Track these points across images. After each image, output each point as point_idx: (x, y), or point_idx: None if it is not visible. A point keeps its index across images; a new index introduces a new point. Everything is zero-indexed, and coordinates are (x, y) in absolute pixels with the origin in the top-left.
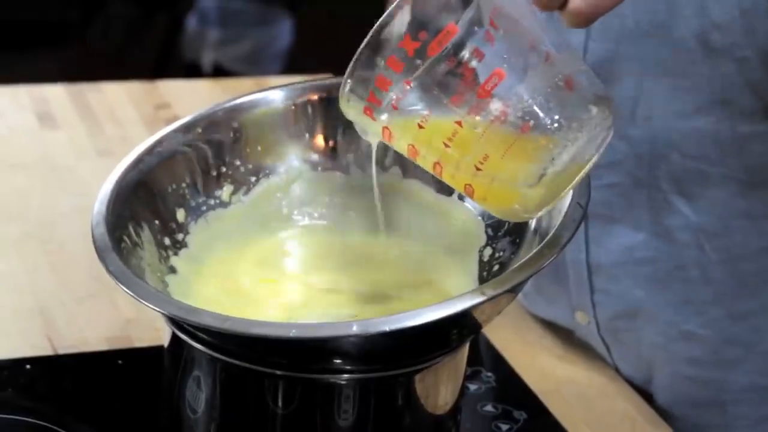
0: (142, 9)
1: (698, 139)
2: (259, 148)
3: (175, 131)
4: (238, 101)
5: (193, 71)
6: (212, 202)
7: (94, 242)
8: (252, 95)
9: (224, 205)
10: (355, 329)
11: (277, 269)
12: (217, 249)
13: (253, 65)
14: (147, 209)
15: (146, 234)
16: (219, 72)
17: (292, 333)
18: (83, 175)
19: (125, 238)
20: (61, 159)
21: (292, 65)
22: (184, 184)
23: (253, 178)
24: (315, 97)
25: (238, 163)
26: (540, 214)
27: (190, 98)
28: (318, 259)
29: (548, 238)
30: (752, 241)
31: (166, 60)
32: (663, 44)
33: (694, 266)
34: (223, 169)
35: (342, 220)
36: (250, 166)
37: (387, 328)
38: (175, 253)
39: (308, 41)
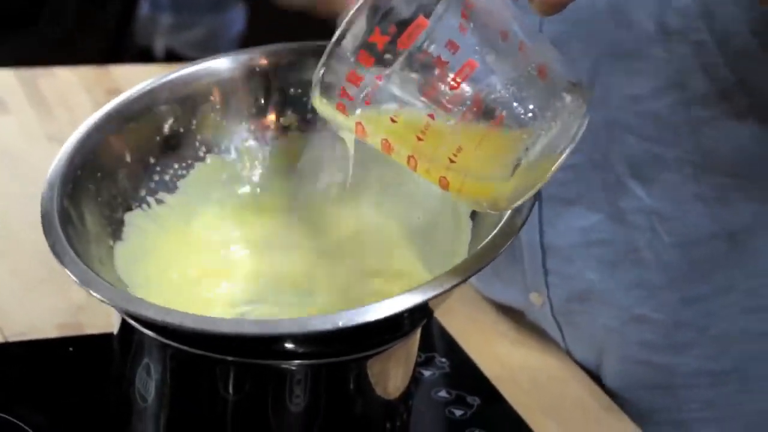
0: None
1: (653, 122)
2: (206, 121)
3: (119, 108)
4: (182, 73)
5: (145, 57)
6: (159, 178)
7: (44, 227)
8: (195, 66)
9: (171, 182)
10: (296, 328)
11: (225, 249)
12: (163, 229)
13: (206, 51)
14: (95, 191)
15: (94, 216)
16: (171, 58)
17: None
18: (33, 161)
19: (73, 221)
20: (12, 145)
21: None
22: (130, 163)
23: (201, 154)
24: (265, 62)
25: (184, 138)
26: (515, 205)
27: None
28: (268, 239)
29: (503, 221)
30: (705, 225)
31: (119, 45)
32: (619, 26)
33: (648, 249)
34: (171, 144)
35: (296, 193)
36: (197, 142)
37: (330, 326)
38: (121, 236)
39: (261, 27)
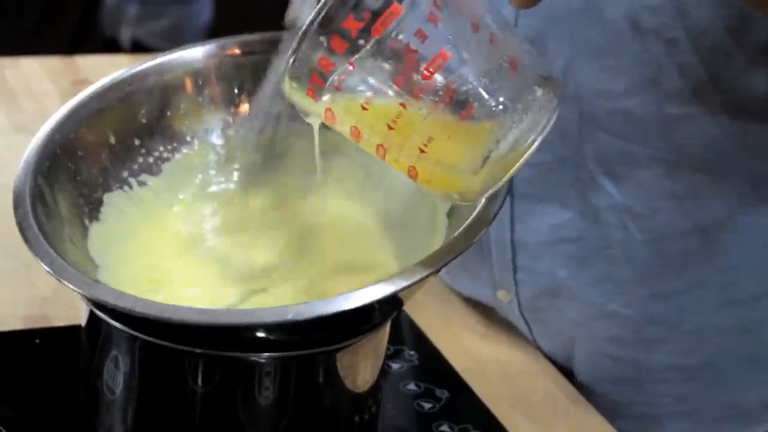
0: None
1: (626, 119)
2: (179, 110)
3: (91, 97)
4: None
5: (111, 47)
6: (143, 161)
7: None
8: (168, 55)
9: (155, 164)
10: (265, 318)
11: (201, 238)
12: (142, 211)
13: (173, 42)
14: (74, 170)
15: (70, 195)
16: (138, 48)
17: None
18: (0, 151)
19: (46, 199)
20: None
21: None
22: (114, 144)
23: (188, 139)
24: (237, 52)
25: (156, 128)
26: (483, 197)
27: (108, 73)
28: (244, 229)
29: (473, 216)
30: (677, 222)
31: (84, 36)
32: (593, 24)
33: (618, 246)
34: (142, 135)
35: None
36: (170, 132)
37: (295, 317)
38: (98, 217)
39: (228, 18)
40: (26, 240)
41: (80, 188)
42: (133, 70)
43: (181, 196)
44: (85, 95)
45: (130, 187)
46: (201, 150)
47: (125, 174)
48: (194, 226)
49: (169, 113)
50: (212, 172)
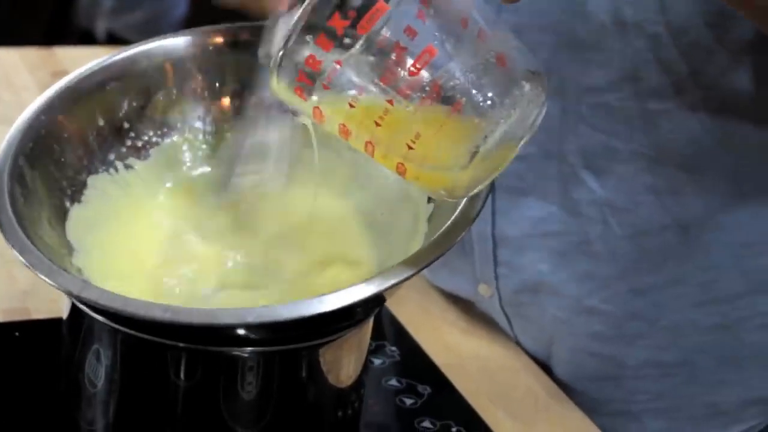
0: None
1: (607, 113)
2: (171, 96)
3: (80, 79)
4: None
5: (86, 39)
6: (119, 151)
7: None
8: (162, 40)
9: (143, 148)
10: (249, 318)
11: (184, 229)
12: (126, 196)
13: (148, 34)
14: (58, 151)
15: (51, 176)
16: (113, 40)
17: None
18: None
19: (26, 179)
20: None
21: None
22: (102, 126)
23: (164, 130)
24: (221, 40)
25: (147, 113)
26: (472, 194)
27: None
28: (226, 222)
29: (456, 214)
30: (657, 217)
31: (59, 28)
32: (576, 18)
33: (599, 241)
34: (131, 118)
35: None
36: (160, 117)
37: (282, 317)
38: (80, 199)
39: (203, 11)
40: (22, 254)
41: (64, 170)
42: (126, 53)
43: (168, 185)
44: (74, 77)
45: (116, 170)
46: (190, 137)
47: (112, 157)
48: (177, 215)
49: (160, 98)
50: (200, 160)
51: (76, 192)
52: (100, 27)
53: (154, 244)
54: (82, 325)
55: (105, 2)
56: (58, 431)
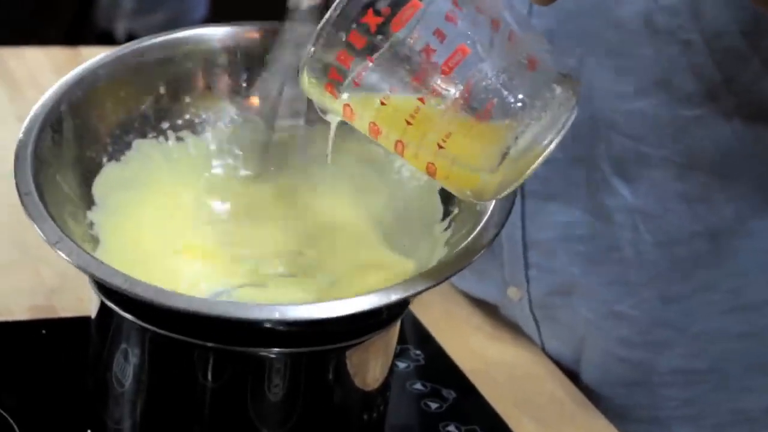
0: None
1: (639, 120)
2: (190, 89)
3: (149, 47)
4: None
5: (106, 40)
6: (174, 122)
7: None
8: (185, 32)
9: (184, 128)
10: (276, 315)
11: (210, 214)
12: (157, 167)
13: None
14: (111, 107)
15: (95, 129)
16: None
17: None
18: (3, 140)
19: (62, 128)
20: None
21: None
22: (147, 99)
23: (181, 121)
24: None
25: (166, 106)
26: (502, 196)
27: None
28: (260, 216)
29: (485, 219)
30: (687, 225)
31: (80, 29)
32: (606, 24)
33: (629, 247)
34: (186, 98)
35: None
36: (179, 110)
37: (308, 316)
38: (119, 158)
39: (223, 13)
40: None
41: (110, 126)
42: (194, 31)
43: (215, 171)
44: (146, 43)
45: (166, 138)
46: (245, 125)
47: (165, 125)
48: (212, 202)
49: (229, 81)
50: (247, 152)
51: (117, 151)
52: (120, 28)
53: (178, 222)
54: (110, 324)
55: (125, 3)
56: (85, 430)
